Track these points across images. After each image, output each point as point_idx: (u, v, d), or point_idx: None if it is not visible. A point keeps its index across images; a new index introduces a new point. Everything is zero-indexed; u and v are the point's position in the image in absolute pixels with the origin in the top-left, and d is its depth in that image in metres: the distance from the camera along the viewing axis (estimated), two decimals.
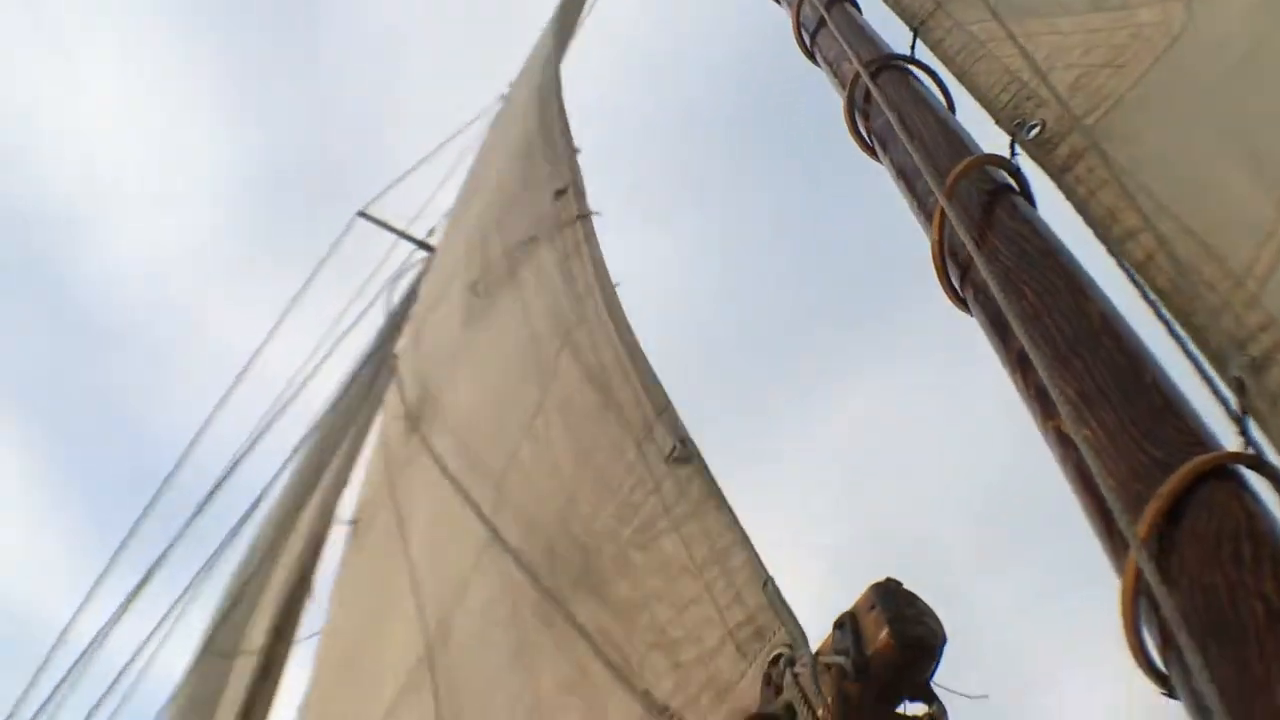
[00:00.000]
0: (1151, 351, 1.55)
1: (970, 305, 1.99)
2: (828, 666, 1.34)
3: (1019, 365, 1.72)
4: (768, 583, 1.75)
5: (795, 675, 1.39)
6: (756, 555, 1.83)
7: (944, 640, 1.34)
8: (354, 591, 5.15)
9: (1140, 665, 1.22)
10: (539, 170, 5.03)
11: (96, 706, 5.86)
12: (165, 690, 6.52)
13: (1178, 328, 1.59)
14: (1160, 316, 1.62)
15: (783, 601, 1.69)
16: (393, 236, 9.12)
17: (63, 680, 6.07)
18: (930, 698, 1.34)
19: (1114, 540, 1.31)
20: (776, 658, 1.48)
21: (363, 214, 9.21)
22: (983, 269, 1.82)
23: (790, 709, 1.40)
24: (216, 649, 6.45)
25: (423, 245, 9.13)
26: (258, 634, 6.39)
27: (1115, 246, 1.74)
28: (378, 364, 7.36)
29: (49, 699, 6.01)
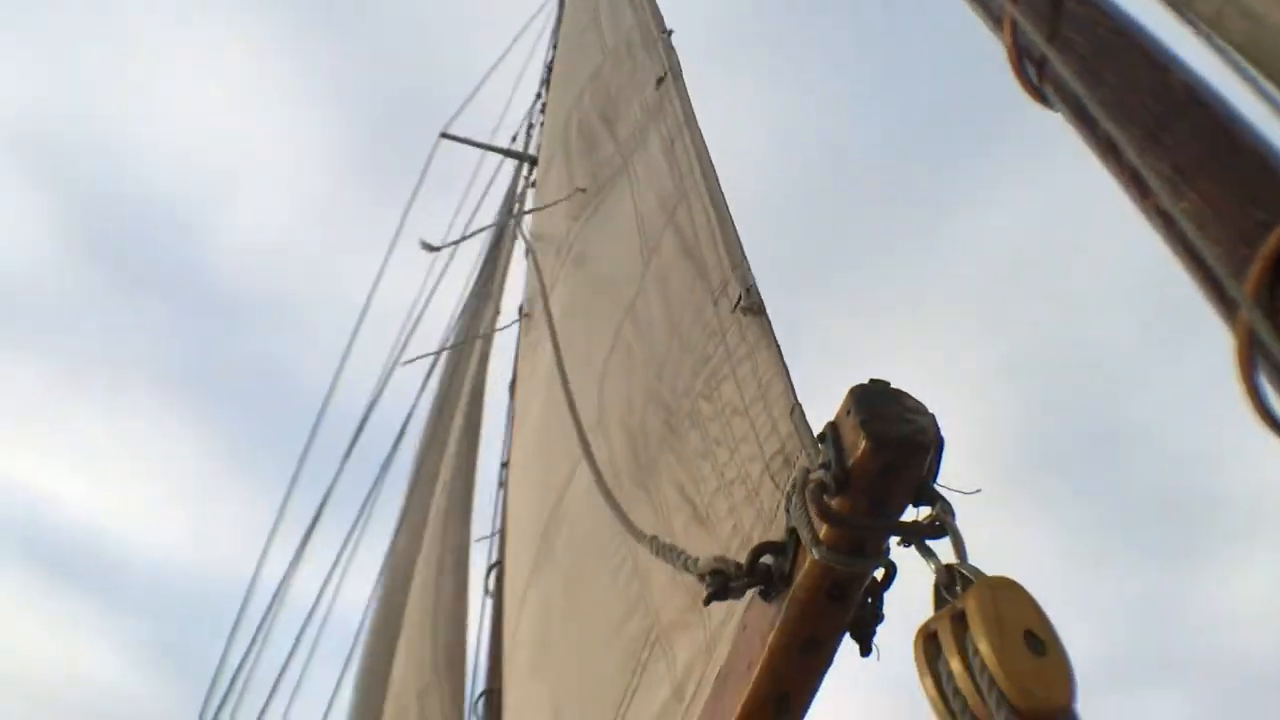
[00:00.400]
0: (1242, 113, 1.45)
1: (1051, 100, 1.91)
2: (812, 484, 1.25)
3: (1109, 151, 1.64)
4: (795, 409, 1.67)
5: (793, 498, 1.31)
6: (791, 385, 1.75)
7: (935, 437, 1.23)
8: (514, 486, 5.32)
9: (1268, 426, 1.18)
10: (639, 61, 4.96)
11: (299, 638, 6.28)
12: (356, 611, 6.95)
13: (1263, 83, 1.48)
14: (1243, 74, 1.50)
15: (805, 426, 1.60)
16: (479, 151, 9.10)
17: (264, 618, 6.53)
18: (933, 499, 1.24)
19: (1226, 306, 1.25)
20: (787, 489, 1.40)
21: (445, 135, 9.23)
22: (1057, 63, 1.73)
23: (794, 533, 1.33)
24: (396, 563, 6.81)
25: (508, 153, 9.10)
26: (430, 545, 6.70)
27: (1183, 9, 1.60)
28: (490, 273, 7.47)
29: (253, 640, 6.48)
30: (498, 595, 5.93)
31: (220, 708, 6.26)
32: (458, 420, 7.02)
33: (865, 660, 1.35)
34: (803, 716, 1.39)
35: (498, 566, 6.02)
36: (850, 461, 1.21)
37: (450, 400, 7.21)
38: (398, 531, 6.82)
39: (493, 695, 5.67)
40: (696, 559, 1.48)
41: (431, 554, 6.54)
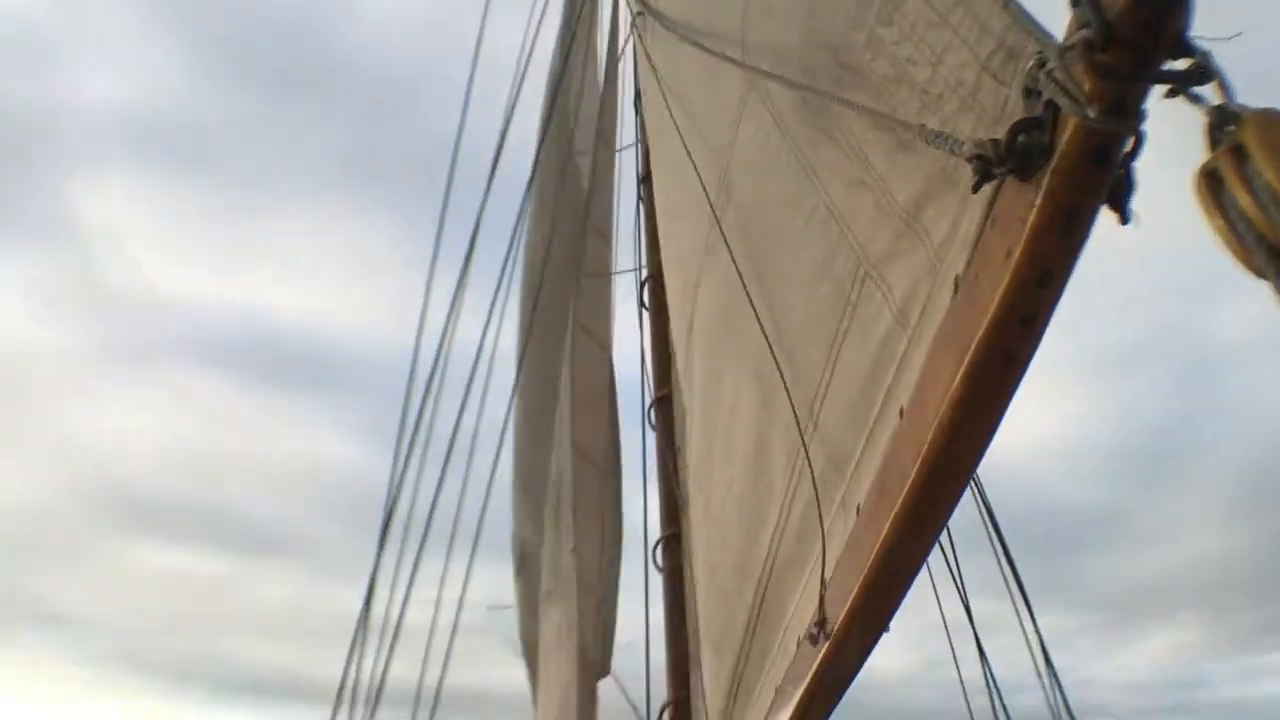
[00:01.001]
0: None
1: None
2: (1074, 47, 1.28)
3: None
4: (1009, 2, 1.64)
5: (1049, 71, 1.33)
6: None
7: None
8: (664, 199, 5.34)
9: None
10: None
11: (470, 381, 6.62)
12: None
13: None
14: None
15: (1025, 14, 1.59)
16: None
17: (435, 364, 6.90)
18: (1191, 51, 1.25)
19: None
20: (1031, 69, 1.42)
21: None
22: None
23: (1051, 104, 1.36)
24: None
25: None
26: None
27: None
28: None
29: (427, 387, 6.86)
30: (655, 307, 6.05)
31: (408, 458, 6.78)
32: (578, 147, 7.03)
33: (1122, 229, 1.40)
34: (1063, 289, 1.46)
35: (651, 280, 6.13)
36: (1111, 15, 1.22)
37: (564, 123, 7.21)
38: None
39: (663, 402, 5.95)
40: (962, 141, 1.53)
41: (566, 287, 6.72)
